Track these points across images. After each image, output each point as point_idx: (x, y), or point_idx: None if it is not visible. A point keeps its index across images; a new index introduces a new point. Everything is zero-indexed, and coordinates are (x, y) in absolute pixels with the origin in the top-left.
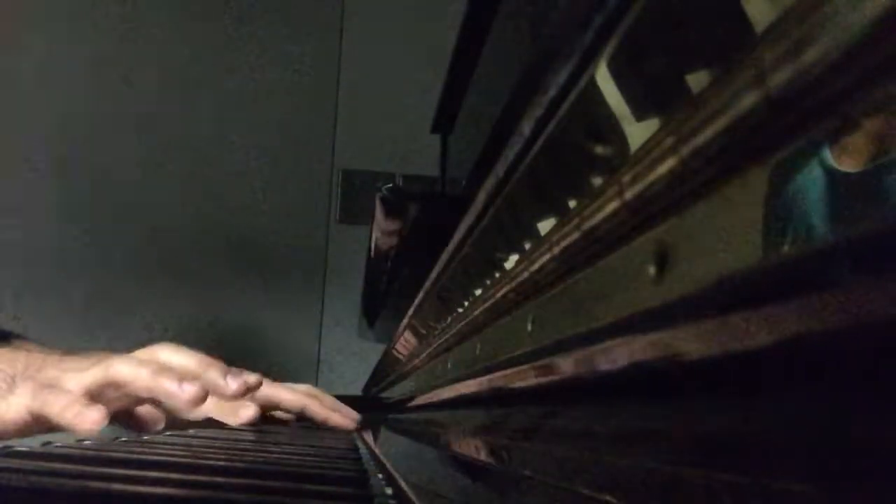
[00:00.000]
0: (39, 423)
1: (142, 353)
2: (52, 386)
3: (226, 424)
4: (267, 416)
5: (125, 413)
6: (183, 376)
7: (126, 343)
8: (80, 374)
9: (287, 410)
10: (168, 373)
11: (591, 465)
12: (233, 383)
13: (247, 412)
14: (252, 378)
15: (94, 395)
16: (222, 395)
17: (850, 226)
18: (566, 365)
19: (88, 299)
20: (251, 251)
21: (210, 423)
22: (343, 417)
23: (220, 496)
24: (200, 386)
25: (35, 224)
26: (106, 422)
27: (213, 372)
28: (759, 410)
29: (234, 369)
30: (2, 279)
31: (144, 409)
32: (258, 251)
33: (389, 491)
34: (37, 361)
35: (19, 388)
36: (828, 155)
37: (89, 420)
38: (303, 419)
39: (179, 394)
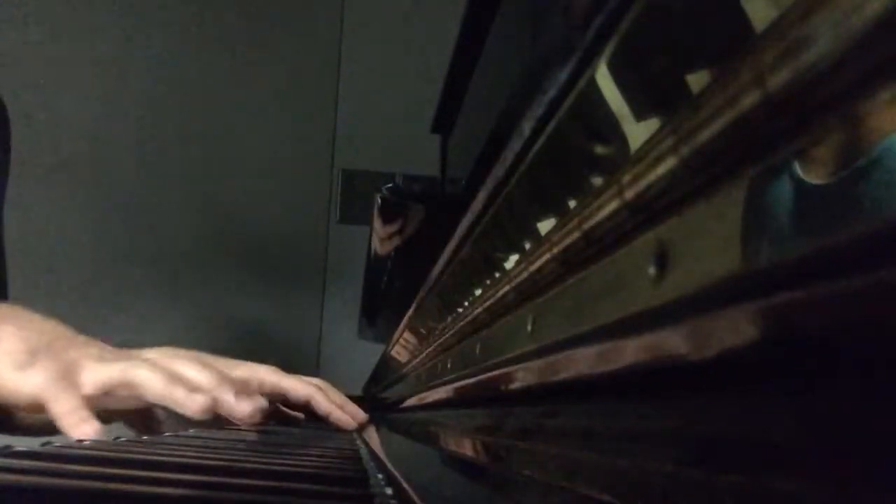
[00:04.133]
0: (44, 411)
1: (161, 354)
2: (69, 371)
3: (234, 424)
4: (274, 409)
5: (134, 413)
6: (195, 388)
7: (124, 344)
8: (99, 366)
9: (293, 401)
10: (180, 382)
11: (591, 465)
12: (245, 406)
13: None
14: (264, 402)
15: (107, 392)
16: (232, 415)
17: (850, 225)
18: (566, 365)
19: (86, 299)
20: (251, 251)
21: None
22: (346, 415)
23: (219, 496)
24: (210, 398)
25: (34, 223)
26: (99, 435)
27: (225, 390)
28: (759, 410)
29: (249, 388)
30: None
31: (154, 412)
32: (258, 251)
33: (389, 491)
34: (63, 338)
35: (40, 362)
36: (828, 155)
37: (83, 433)
38: (309, 414)
39: (189, 403)
